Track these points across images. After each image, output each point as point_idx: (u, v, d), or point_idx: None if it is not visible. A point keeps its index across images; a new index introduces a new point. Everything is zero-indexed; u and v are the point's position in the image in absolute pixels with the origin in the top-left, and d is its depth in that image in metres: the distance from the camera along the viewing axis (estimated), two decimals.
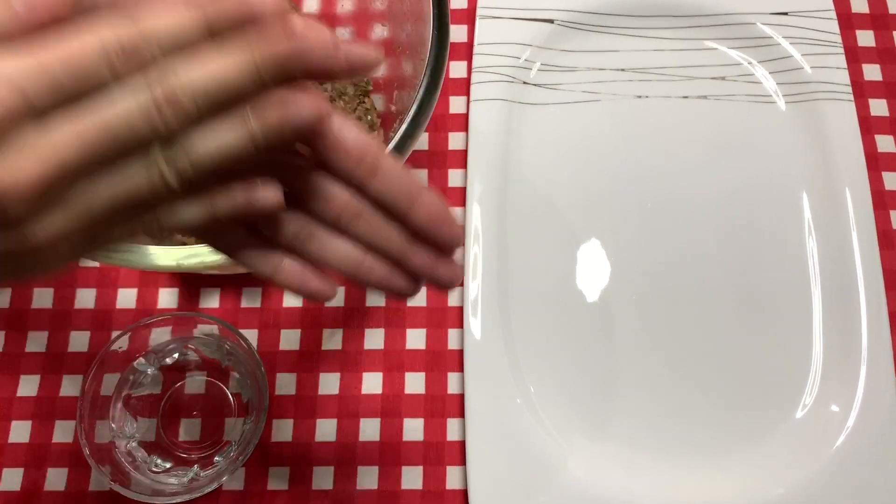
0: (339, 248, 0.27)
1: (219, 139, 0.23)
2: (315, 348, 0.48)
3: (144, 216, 0.24)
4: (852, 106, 0.52)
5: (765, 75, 0.54)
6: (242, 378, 0.46)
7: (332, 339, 0.48)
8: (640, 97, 0.53)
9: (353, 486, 0.45)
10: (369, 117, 0.50)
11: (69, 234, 0.23)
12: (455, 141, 0.53)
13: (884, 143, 0.53)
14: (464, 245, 0.49)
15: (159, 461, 0.44)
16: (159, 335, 0.45)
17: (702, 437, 0.46)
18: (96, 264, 0.50)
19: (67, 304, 0.49)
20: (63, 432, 0.46)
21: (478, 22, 0.54)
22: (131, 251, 0.33)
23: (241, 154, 0.23)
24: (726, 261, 0.49)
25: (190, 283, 0.49)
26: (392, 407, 0.46)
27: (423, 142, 0.53)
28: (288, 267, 0.27)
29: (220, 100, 0.22)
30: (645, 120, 0.53)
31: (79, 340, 0.48)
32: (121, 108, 0.21)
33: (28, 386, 0.47)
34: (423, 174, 0.52)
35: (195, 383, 0.47)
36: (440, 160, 0.52)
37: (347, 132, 0.26)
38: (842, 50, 0.53)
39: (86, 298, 0.49)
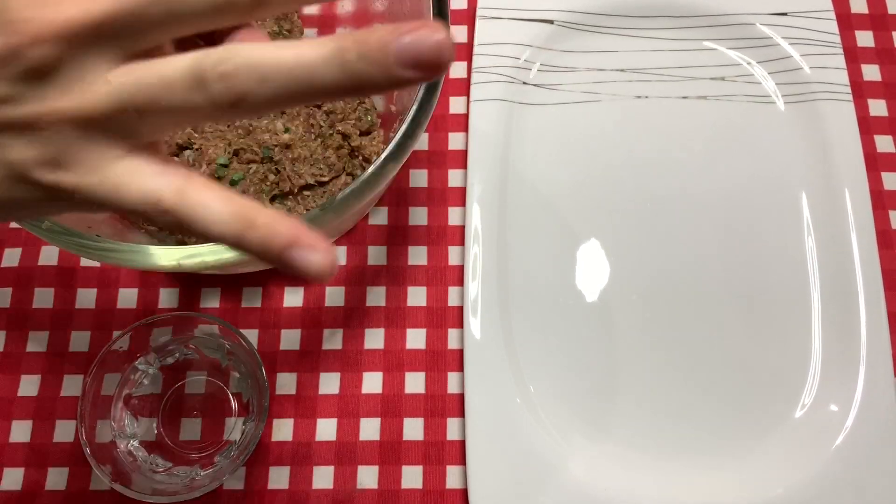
0: None
1: (297, 52, 0.20)
2: (315, 348, 0.48)
3: (168, 198, 0.21)
4: (851, 106, 0.52)
5: (764, 76, 0.54)
6: (243, 378, 0.46)
7: (333, 339, 0.48)
8: (639, 97, 0.53)
9: (353, 485, 0.45)
10: (369, 117, 0.50)
11: (86, 121, 0.20)
12: (455, 141, 0.53)
13: (883, 143, 0.53)
14: (464, 245, 0.49)
15: (160, 461, 0.44)
16: (160, 335, 0.45)
17: (701, 436, 0.46)
18: (97, 264, 0.50)
19: (68, 304, 0.49)
20: (64, 432, 0.46)
21: (478, 22, 0.54)
22: (132, 251, 0.33)
23: (322, 82, 0.19)
24: (725, 261, 0.49)
25: (190, 283, 0.49)
26: (392, 406, 0.46)
27: (423, 142, 0.53)
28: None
29: (298, 81, 0.20)
30: (644, 120, 0.53)
31: (80, 340, 0.48)
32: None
33: (29, 386, 0.47)
34: (423, 174, 0.52)
35: (196, 383, 0.47)
36: (440, 160, 0.52)
37: None
38: (841, 50, 0.53)
39: (87, 298, 0.49)
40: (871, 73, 0.55)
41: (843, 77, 0.52)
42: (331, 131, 0.49)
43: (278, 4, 0.21)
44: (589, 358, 0.47)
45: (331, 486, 0.45)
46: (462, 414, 0.46)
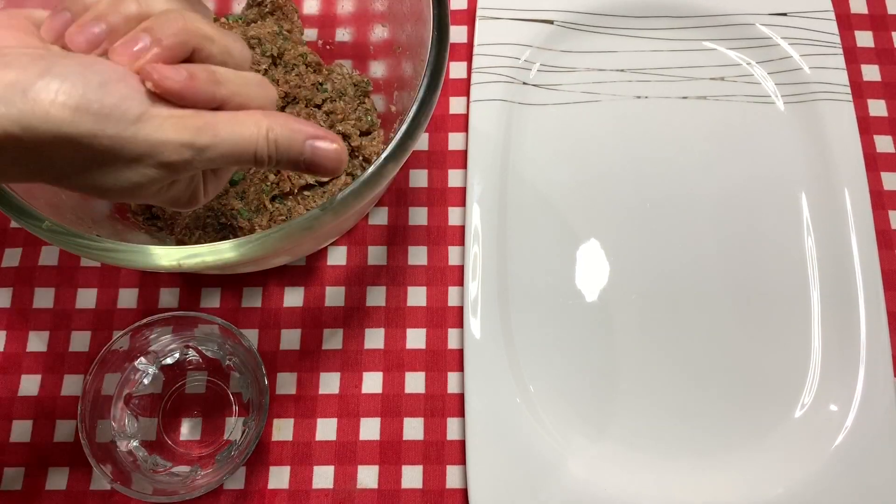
0: None
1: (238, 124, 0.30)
2: (315, 348, 0.48)
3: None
4: (851, 106, 0.52)
5: (764, 76, 0.54)
6: (243, 377, 0.46)
7: (333, 339, 0.48)
8: (639, 98, 0.53)
9: (353, 485, 0.45)
10: (369, 117, 0.50)
11: None
12: (455, 141, 0.53)
13: (882, 143, 0.53)
14: (464, 244, 0.49)
15: (160, 460, 0.44)
16: (160, 335, 0.45)
17: (701, 436, 0.46)
18: (97, 264, 0.50)
19: (68, 304, 0.49)
20: (64, 432, 0.46)
21: (478, 23, 0.54)
22: (132, 251, 0.33)
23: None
24: (725, 261, 0.49)
25: (191, 282, 0.49)
26: (392, 406, 0.46)
27: (423, 142, 0.53)
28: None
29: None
30: (644, 120, 0.53)
31: (80, 340, 0.48)
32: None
33: (29, 385, 0.47)
34: (423, 174, 0.52)
35: (196, 383, 0.47)
36: (440, 160, 0.52)
37: None
38: (841, 50, 0.53)
39: (87, 298, 0.49)
40: (871, 73, 0.55)
41: (843, 77, 0.52)
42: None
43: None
44: (589, 358, 0.47)
45: (331, 486, 0.45)
46: (462, 414, 0.46)
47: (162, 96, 0.28)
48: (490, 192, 0.50)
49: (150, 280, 0.49)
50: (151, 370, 0.46)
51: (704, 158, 0.52)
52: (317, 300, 0.49)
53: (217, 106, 0.29)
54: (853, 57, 0.55)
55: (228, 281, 0.49)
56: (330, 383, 0.47)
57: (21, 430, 0.46)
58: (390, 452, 0.45)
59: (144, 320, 0.44)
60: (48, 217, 0.34)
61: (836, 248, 0.49)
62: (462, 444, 0.45)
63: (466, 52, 0.55)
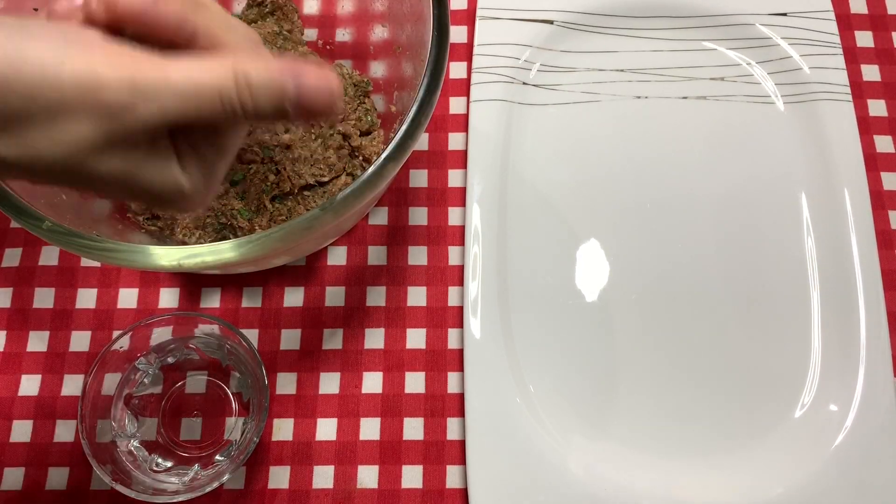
0: None
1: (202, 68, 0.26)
2: (315, 348, 0.48)
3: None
4: (851, 106, 0.52)
5: (764, 76, 0.54)
6: (243, 377, 0.46)
7: (333, 339, 0.48)
8: (639, 98, 0.53)
9: (353, 485, 0.45)
10: (369, 117, 0.50)
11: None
12: (455, 141, 0.53)
13: (882, 143, 0.53)
14: (464, 244, 0.49)
15: (160, 460, 0.44)
16: (160, 335, 0.45)
17: (701, 436, 0.46)
18: (97, 264, 0.50)
19: (69, 304, 0.49)
20: (64, 432, 0.46)
21: (478, 23, 0.54)
22: (132, 251, 0.33)
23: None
24: (725, 261, 0.49)
25: (191, 282, 0.49)
26: (392, 406, 0.46)
27: (423, 142, 0.53)
28: None
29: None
30: (644, 120, 0.53)
31: (80, 340, 0.48)
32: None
33: (29, 385, 0.47)
34: (423, 174, 0.52)
35: (196, 383, 0.47)
36: (440, 160, 0.52)
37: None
38: (840, 50, 0.53)
39: (87, 298, 0.49)
40: (871, 73, 0.55)
41: (843, 77, 0.52)
42: (331, 132, 0.49)
43: None
44: (589, 357, 0.47)
45: (331, 486, 0.45)
46: (462, 414, 0.46)
47: (110, 25, 0.25)
48: (490, 192, 0.50)
49: (150, 280, 0.49)
50: (151, 370, 0.46)
51: (704, 158, 0.52)
52: (317, 300, 0.49)
53: (187, 39, 0.26)
54: (853, 57, 0.55)
55: (228, 281, 0.49)
56: (330, 383, 0.47)
57: (21, 430, 0.46)
58: (390, 452, 0.45)
59: (144, 320, 0.44)
60: (48, 217, 0.34)
61: (836, 248, 0.49)
62: (462, 444, 0.45)
63: (466, 52, 0.55)
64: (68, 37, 0.24)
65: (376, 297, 0.49)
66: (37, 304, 0.49)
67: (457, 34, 0.55)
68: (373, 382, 0.47)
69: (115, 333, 0.47)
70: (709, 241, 0.50)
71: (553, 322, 0.48)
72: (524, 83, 0.53)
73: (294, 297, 0.49)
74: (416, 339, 0.48)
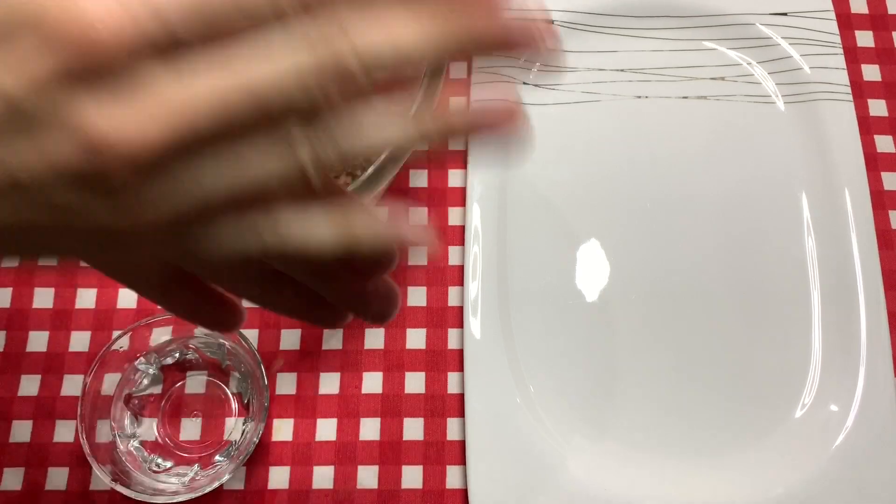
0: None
1: (383, 132, 0.18)
2: (315, 348, 0.48)
3: (259, 223, 0.19)
4: (851, 106, 0.52)
5: (764, 76, 0.54)
6: (243, 378, 0.46)
7: (333, 339, 0.48)
8: (639, 97, 0.53)
9: (353, 485, 0.45)
10: None
11: (171, 220, 0.18)
12: (455, 141, 0.52)
13: (883, 143, 0.53)
14: (464, 244, 0.49)
15: (160, 461, 0.44)
16: (160, 335, 0.45)
17: (701, 436, 0.46)
18: None
19: (68, 304, 0.49)
20: (64, 432, 0.46)
21: None
22: None
23: (403, 153, 0.19)
24: (725, 261, 0.49)
25: None
26: (392, 406, 0.46)
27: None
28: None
29: (394, 75, 0.17)
30: (644, 120, 0.53)
31: (79, 340, 0.48)
32: (276, 64, 0.16)
33: (29, 385, 0.47)
34: (423, 174, 0.52)
35: (196, 383, 0.47)
36: (440, 160, 0.52)
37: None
38: (841, 50, 0.53)
39: (86, 298, 0.49)
40: (872, 73, 0.55)
41: (844, 77, 0.52)
42: None
43: None
44: (589, 358, 0.47)
45: (331, 487, 0.45)
46: (462, 414, 0.46)
47: None
48: (490, 191, 0.50)
49: None
50: (151, 370, 0.46)
51: (704, 158, 0.52)
52: None
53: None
54: (854, 57, 0.55)
55: None
56: (330, 383, 0.47)
57: (20, 431, 0.46)
58: (390, 452, 0.45)
59: (144, 320, 0.44)
60: None
61: (837, 248, 0.49)
62: (462, 444, 0.45)
63: None
64: None
65: None
66: (36, 304, 0.49)
67: None
68: (373, 382, 0.47)
69: (115, 333, 0.47)
70: (709, 240, 0.50)
71: (553, 322, 0.48)
72: (524, 83, 0.53)
73: None
74: (416, 339, 0.48)
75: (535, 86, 0.53)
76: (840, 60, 0.53)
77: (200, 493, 0.41)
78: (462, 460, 0.45)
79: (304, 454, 0.45)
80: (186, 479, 0.43)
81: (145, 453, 0.44)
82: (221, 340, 0.46)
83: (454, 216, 0.51)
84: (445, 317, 0.48)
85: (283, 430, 0.46)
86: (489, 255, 0.48)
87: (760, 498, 0.44)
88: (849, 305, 0.47)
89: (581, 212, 0.50)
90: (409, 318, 0.48)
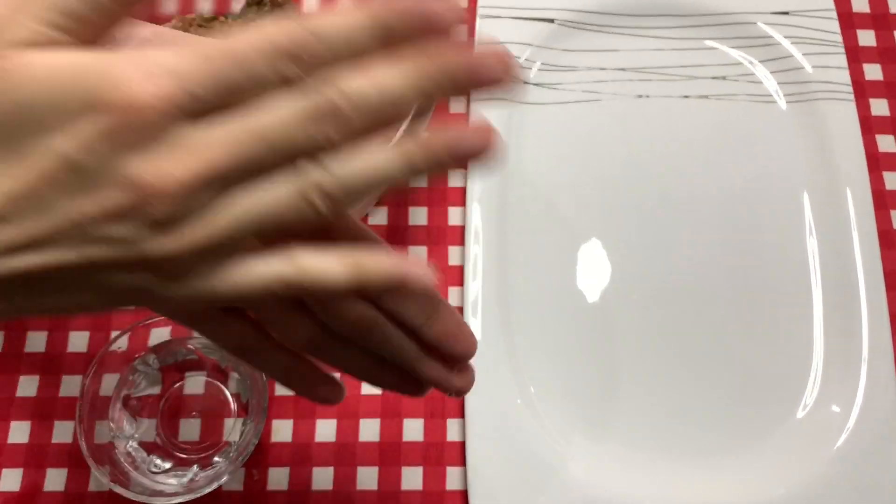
0: (351, 357, 0.26)
1: (375, 162, 0.21)
2: None
3: (285, 270, 0.22)
4: (853, 106, 0.51)
5: (765, 75, 0.54)
6: (242, 378, 0.46)
7: None
8: (640, 97, 0.53)
9: (352, 486, 0.45)
10: None
11: (205, 251, 0.21)
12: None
13: (884, 142, 0.52)
14: (464, 244, 0.49)
15: (159, 461, 0.44)
16: (159, 335, 0.45)
17: (702, 437, 0.46)
18: None
19: None
20: (62, 433, 0.46)
21: (478, 21, 0.54)
22: None
23: (396, 181, 0.22)
24: (727, 260, 0.49)
25: None
26: (392, 407, 0.46)
27: None
28: (298, 371, 0.27)
29: (384, 115, 0.21)
30: (645, 119, 0.53)
31: (78, 341, 0.48)
32: (280, 114, 0.20)
33: (27, 386, 0.47)
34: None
35: (194, 383, 0.47)
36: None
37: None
38: (843, 49, 0.53)
39: None
40: (873, 72, 0.54)
41: (845, 76, 0.52)
42: None
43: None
44: (589, 358, 0.47)
45: (330, 488, 0.45)
46: (462, 415, 0.46)
47: None
48: (490, 191, 0.49)
49: None
50: (150, 371, 0.46)
51: (706, 158, 0.52)
52: None
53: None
54: (855, 56, 0.55)
55: None
56: None
57: (19, 432, 0.46)
58: (390, 454, 0.45)
59: (143, 320, 0.44)
60: None
61: (838, 248, 0.49)
62: (462, 445, 0.45)
63: None
64: None
65: None
66: None
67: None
68: None
69: (114, 334, 0.47)
70: (710, 240, 0.50)
71: (554, 322, 0.48)
72: (525, 82, 0.53)
73: None
74: None
75: (536, 85, 0.53)
76: (842, 60, 0.53)
77: (199, 494, 0.41)
78: (462, 461, 0.45)
79: (303, 455, 0.45)
80: (185, 480, 0.43)
81: (144, 454, 0.44)
82: None
83: (454, 216, 0.50)
84: None
85: (282, 430, 0.46)
86: (489, 255, 0.48)
87: (762, 499, 0.44)
88: (850, 306, 0.47)
89: (582, 211, 0.50)
90: None
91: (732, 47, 0.54)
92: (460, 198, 0.51)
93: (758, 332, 0.48)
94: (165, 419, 0.46)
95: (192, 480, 0.43)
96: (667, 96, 0.53)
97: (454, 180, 0.51)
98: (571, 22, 0.54)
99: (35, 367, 0.47)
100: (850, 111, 0.51)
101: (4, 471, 0.45)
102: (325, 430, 0.46)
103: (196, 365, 0.47)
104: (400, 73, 0.20)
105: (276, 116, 0.20)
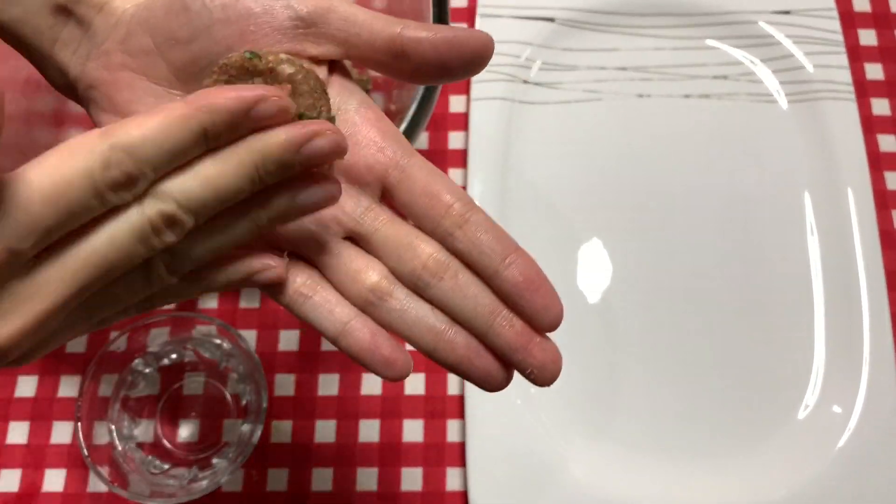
0: (417, 313, 0.24)
1: (221, 239, 0.22)
2: (314, 349, 0.47)
3: (138, 303, 0.23)
4: (854, 105, 0.51)
5: (766, 74, 0.53)
6: (241, 379, 0.46)
7: None
8: (641, 96, 0.53)
9: (352, 487, 0.44)
10: None
11: (57, 326, 0.22)
12: (455, 140, 0.52)
13: (886, 142, 0.52)
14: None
15: (157, 462, 0.44)
16: (157, 336, 0.45)
17: (703, 438, 0.45)
18: None
19: None
20: (61, 433, 0.46)
21: (478, 20, 0.54)
22: None
23: (247, 241, 0.22)
24: (728, 260, 0.49)
25: None
26: (391, 408, 0.46)
27: (422, 141, 0.52)
28: (357, 328, 0.24)
29: (217, 208, 0.21)
30: (646, 119, 0.52)
31: (77, 341, 0.48)
32: (114, 237, 0.20)
33: (26, 387, 0.47)
34: None
35: (193, 384, 0.46)
36: (440, 160, 0.52)
37: (426, 178, 0.24)
38: (844, 49, 0.53)
39: None
40: (874, 71, 0.54)
41: (846, 76, 0.52)
42: None
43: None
44: (590, 359, 0.47)
45: (330, 489, 0.44)
46: (462, 415, 0.46)
47: None
48: (490, 191, 0.49)
49: None
50: (149, 371, 0.46)
51: (707, 157, 0.51)
52: None
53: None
54: (856, 55, 0.55)
55: None
56: (329, 385, 0.47)
57: (18, 432, 0.46)
58: (390, 454, 0.45)
59: (141, 321, 0.43)
60: None
61: (840, 248, 0.48)
62: (462, 446, 0.45)
63: None
64: None
65: None
66: None
67: None
68: (372, 384, 0.47)
69: (113, 335, 0.47)
70: (711, 240, 0.49)
71: None
72: (525, 81, 0.53)
73: None
74: None
75: (536, 84, 0.53)
76: (843, 59, 0.53)
77: (198, 495, 0.41)
78: (462, 462, 0.45)
79: (302, 456, 0.45)
80: (184, 480, 0.43)
81: (143, 455, 0.44)
82: (219, 341, 0.46)
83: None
84: None
85: (281, 431, 0.46)
86: None
87: (763, 499, 0.44)
88: (852, 306, 0.47)
89: (582, 211, 0.50)
90: None
91: (733, 46, 0.54)
92: None
93: (758, 332, 0.48)
94: (164, 420, 0.46)
95: (190, 481, 0.43)
96: (668, 96, 0.53)
97: (454, 180, 0.51)
98: (572, 21, 0.54)
99: (34, 367, 0.47)
100: (851, 111, 0.51)
101: (3, 471, 0.45)
102: (325, 430, 0.46)
103: (195, 366, 0.47)
104: (228, 170, 0.21)
105: (110, 240, 0.20)
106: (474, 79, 0.52)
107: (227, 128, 0.21)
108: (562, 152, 0.52)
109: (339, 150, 0.22)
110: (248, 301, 0.48)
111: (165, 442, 0.45)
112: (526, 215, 0.50)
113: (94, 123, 0.25)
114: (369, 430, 0.46)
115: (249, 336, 0.48)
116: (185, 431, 0.46)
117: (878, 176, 0.51)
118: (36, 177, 0.19)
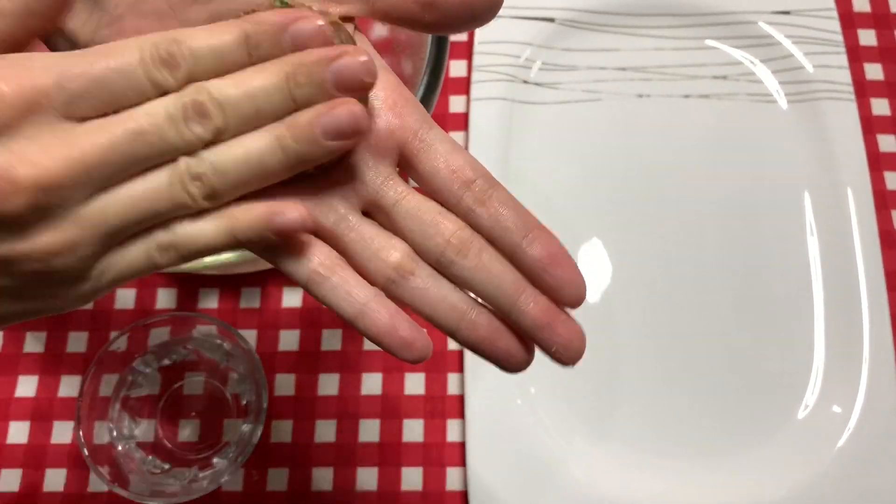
0: (440, 292, 0.24)
1: (246, 147, 0.22)
2: (314, 349, 0.47)
3: (161, 238, 0.23)
4: (854, 105, 0.51)
5: (766, 74, 0.53)
6: (241, 379, 0.46)
7: (331, 340, 0.48)
8: (641, 96, 0.53)
9: (352, 487, 0.44)
10: None
11: (79, 247, 0.21)
12: (455, 140, 0.52)
13: (886, 142, 0.52)
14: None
15: (158, 462, 0.44)
16: (158, 336, 0.45)
17: (703, 438, 0.45)
18: None
19: None
20: (61, 433, 0.46)
21: None
22: None
23: (272, 166, 0.22)
24: (727, 260, 0.49)
25: (188, 283, 0.49)
26: (392, 408, 0.46)
27: None
28: (375, 309, 0.24)
29: (248, 113, 0.22)
30: (646, 119, 0.52)
31: (77, 341, 0.48)
32: (151, 114, 0.21)
33: (26, 386, 0.47)
34: None
35: (194, 384, 0.47)
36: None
37: (449, 151, 0.24)
38: (843, 49, 0.53)
39: None
40: (874, 71, 0.54)
41: (846, 76, 0.52)
42: None
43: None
44: (590, 358, 0.47)
45: (330, 489, 0.44)
46: (462, 415, 0.46)
47: None
48: None
49: (148, 280, 0.49)
50: (149, 371, 0.46)
51: (706, 157, 0.52)
52: (316, 301, 0.48)
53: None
54: (856, 55, 0.55)
55: (226, 281, 0.49)
56: (329, 385, 0.47)
57: (18, 432, 0.46)
58: (390, 454, 0.45)
59: (142, 321, 0.43)
60: None
61: (839, 248, 0.48)
62: (462, 445, 0.45)
63: (467, 50, 0.54)
64: None
65: None
66: None
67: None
68: (372, 384, 0.47)
69: (113, 334, 0.47)
70: (711, 240, 0.50)
71: None
72: (525, 81, 0.53)
73: (292, 298, 0.48)
74: None
75: (536, 84, 0.53)
76: (842, 59, 0.53)
77: (199, 495, 0.41)
78: (462, 462, 0.45)
79: (302, 456, 0.45)
80: (185, 480, 0.43)
81: (143, 455, 0.44)
82: (219, 341, 0.46)
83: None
84: None
85: (281, 431, 0.46)
86: None
87: (763, 499, 0.44)
88: (851, 306, 0.47)
89: (582, 211, 0.50)
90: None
91: (733, 47, 0.54)
92: None
93: (758, 332, 0.48)
94: (165, 420, 0.46)
95: (191, 481, 0.43)
96: (667, 96, 0.53)
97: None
98: (572, 21, 0.54)
99: (34, 367, 0.47)
100: (850, 111, 0.51)
101: (3, 471, 0.45)
102: (325, 430, 0.46)
103: (195, 365, 0.47)
104: (262, 75, 0.22)
105: (147, 116, 0.21)
106: (474, 79, 0.52)
107: (268, 38, 0.22)
108: (562, 152, 0.52)
109: (369, 73, 0.22)
110: (248, 301, 0.49)
111: (166, 442, 0.45)
112: None
113: None
114: (369, 430, 0.46)
115: (249, 336, 0.48)
116: (186, 431, 0.46)
117: (878, 176, 0.51)
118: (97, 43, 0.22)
